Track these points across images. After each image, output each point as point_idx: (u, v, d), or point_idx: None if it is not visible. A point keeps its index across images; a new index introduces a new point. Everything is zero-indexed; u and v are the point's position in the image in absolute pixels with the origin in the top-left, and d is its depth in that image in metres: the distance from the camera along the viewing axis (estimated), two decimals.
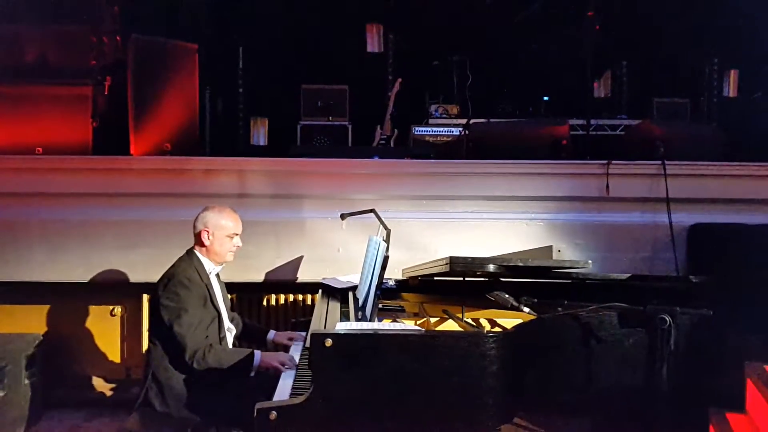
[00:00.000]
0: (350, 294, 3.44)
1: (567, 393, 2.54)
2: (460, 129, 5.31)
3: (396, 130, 5.41)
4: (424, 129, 5.65)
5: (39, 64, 4.39)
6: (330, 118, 5.85)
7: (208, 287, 3.12)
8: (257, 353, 2.97)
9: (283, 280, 4.25)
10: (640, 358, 2.49)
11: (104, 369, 4.36)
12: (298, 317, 4.08)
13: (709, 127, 5.42)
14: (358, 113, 5.90)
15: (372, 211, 3.33)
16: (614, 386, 2.52)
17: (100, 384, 4.37)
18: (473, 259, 2.58)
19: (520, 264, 2.66)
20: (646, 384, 2.45)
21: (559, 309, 2.71)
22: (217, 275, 3.27)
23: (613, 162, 4.20)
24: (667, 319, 2.39)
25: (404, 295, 3.58)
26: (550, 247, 2.78)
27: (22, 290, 4.23)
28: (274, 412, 2.25)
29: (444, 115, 6.02)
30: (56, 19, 4.51)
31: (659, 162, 4.17)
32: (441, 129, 5.66)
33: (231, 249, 3.20)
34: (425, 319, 3.18)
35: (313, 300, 4.27)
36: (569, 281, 3.04)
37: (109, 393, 4.36)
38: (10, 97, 4.30)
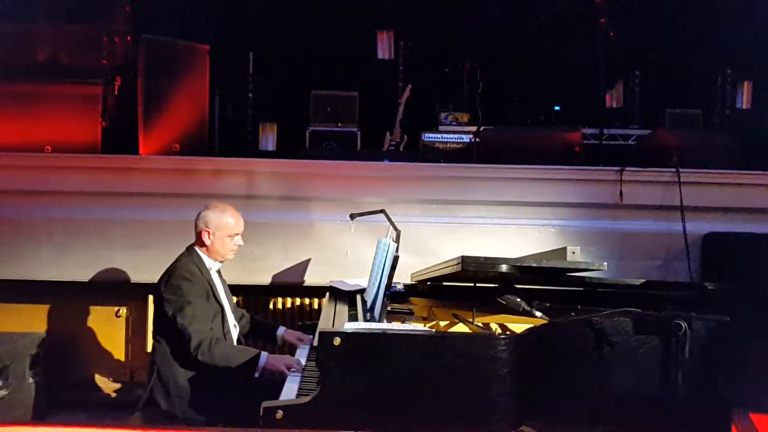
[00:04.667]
0: (358, 297, 3.40)
1: (579, 400, 2.47)
2: (470, 136, 5.27)
3: (405, 137, 5.38)
4: (434, 136, 5.58)
5: (50, 63, 4.40)
6: (339, 124, 5.81)
7: (210, 282, 3.11)
8: (263, 354, 2.92)
9: (290, 283, 4.21)
10: (655, 364, 2.43)
11: (108, 370, 4.35)
12: (304, 321, 4.04)
13: (723, 136, 5.36)
14: (367, 120, 5.86)
15: (382, 211, 3.29)
16: (628, 393, 2.45)
17: (104, 385, 4.35)
18: (485, 258, 2.54)
19: (534, 264, 2.61)
20: (662, 391, 2.39)
21: (572, 314, 2.66)
22: (219, 272, 3.25)
23: (627, 169, 4.17)
24: (683, 324, 2.34)
25: (413, 299, 3.52)
26: (564, 248, 2.73)
27: (28, 289, 4.21)
28: (280, 411, 2.20)
29: (454, 123, 5.97)
30: (68, 18, 4.52)
31: (674, 169, 4.13)
32: (451, 136, 5.60)
33: (232, 248, 3.19)
34: (435, 322, 3.13)
35: (320, 304, 4.23)
36: (581, 288, 2.98)
37: (113, 394, 4.34)
38: (21, 95, 4.31)
